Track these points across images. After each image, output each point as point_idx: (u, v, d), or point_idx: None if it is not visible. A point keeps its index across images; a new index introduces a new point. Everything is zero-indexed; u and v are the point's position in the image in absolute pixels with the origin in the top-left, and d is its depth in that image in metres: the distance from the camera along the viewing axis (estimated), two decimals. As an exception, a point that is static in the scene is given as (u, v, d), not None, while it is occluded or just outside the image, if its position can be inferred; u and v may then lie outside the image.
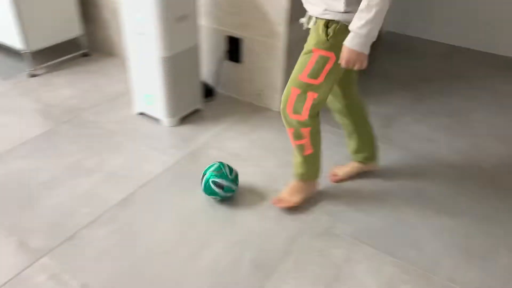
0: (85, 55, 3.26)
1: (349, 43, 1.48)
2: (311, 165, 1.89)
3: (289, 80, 1.71)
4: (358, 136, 2.00)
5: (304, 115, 1.71)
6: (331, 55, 1.58)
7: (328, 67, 1.61)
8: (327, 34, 1.56)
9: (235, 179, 1.94)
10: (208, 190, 1.92)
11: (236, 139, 2.40)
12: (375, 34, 1.46)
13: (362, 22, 1.42)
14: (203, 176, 1.93)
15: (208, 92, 2.74)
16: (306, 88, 1.66)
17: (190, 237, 1.79)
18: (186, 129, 2.48)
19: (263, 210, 1.93)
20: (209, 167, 1.93)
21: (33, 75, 2.97)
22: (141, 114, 2.57)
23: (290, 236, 1.80)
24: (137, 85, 2.50)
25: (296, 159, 1.88)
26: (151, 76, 2.36)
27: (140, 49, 2.33)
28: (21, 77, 2.96)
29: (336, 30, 1.54)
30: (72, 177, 2.08)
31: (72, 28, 3.09)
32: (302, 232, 1.82)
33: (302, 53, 1.67)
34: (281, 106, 1.75)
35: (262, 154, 2.29)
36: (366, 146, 2.04)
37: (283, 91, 1.75)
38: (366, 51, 1.49)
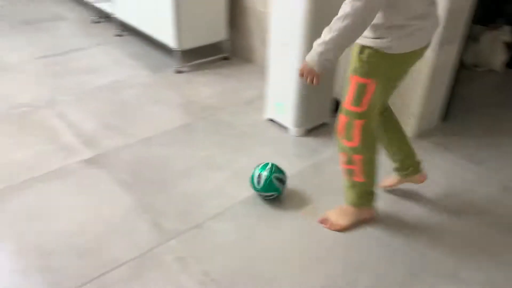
0: (225, 58, 3.48)
1: (307, 55, 1.49)
2: (361, 193, 1.83)
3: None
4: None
5: (355, 141, 1.67)
6: (368, 81, 1.54)
7: (368, 94, 1.56)
8: (360, 60, 1.53)
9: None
10: (270, 188, 1.98)
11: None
12: (329, 57, 1.43)
13: (320, 41, 1.43)
14: (259, 177, 1.98)
15: (338, 108, 2.73)
16: (352, 116, 1.63)
17: (307, 249, 1.81)
18: (311, 141, 2.51)
19: (385, 236, 1.87)
20: (263, 168, 2.00)
21: (179, 72, 3.26)
22: (271, 120, 2.66)
23: (411, 269, 1.71)
24: (271, 93, 2.59)
25: (345, 182, 1.84)
26: (287, 85, 2.43)
27: (281, 59, 2.41)
28: (168, 72, 3.26)
29: (369, 56, 1.50)
30: (204, 170, 2.24)
31: (218, 32, 3.33)
32: (425, 269, 1.72)
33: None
34: (336, 131, 1.75)
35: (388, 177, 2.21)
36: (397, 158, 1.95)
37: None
38: (317, 69, 1.47)
